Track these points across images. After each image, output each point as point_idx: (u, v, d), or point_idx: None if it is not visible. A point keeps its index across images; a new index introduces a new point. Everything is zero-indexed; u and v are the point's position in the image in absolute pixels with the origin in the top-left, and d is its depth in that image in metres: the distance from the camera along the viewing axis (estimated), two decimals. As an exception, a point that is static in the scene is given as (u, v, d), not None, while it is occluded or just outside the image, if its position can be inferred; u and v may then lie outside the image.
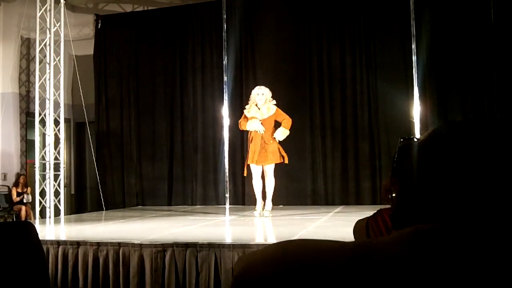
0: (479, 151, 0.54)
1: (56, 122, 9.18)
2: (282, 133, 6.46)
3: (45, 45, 9.15)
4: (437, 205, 0.55)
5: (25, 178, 9.78)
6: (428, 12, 8.38)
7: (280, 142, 6.56)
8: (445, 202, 0.54)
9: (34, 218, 8.86)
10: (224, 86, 9.33)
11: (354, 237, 2.07)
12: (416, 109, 8.08)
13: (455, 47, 8.19)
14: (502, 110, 7.82)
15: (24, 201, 9.58)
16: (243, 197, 9.23)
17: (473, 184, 0.53)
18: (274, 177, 6.62)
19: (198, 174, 9.57)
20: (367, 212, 2.26)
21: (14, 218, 9.54)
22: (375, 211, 2.01)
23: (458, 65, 8.19)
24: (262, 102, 6.50)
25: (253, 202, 8.91)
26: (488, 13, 8.08)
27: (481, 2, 8.13)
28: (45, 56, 9.20)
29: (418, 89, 8.27)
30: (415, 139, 1.99)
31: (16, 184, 9.72)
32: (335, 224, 5.79)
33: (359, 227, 2.03)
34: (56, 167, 9.10)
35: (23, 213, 9.46)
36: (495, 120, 0.57)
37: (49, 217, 8.47)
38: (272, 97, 7.13)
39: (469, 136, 0.56)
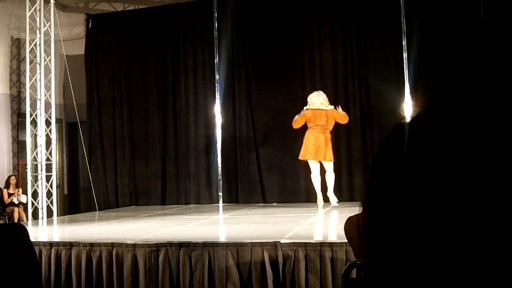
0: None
1: (48, 123, 9.14)
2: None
3: (35, 45, 9.10)
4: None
5: (15, 178, 9.69)
6: (418, 9, 8.41)
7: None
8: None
9: (27, 219, 8.82)
10: (216, 85, 9.33)
11: (345, 233, 2.08)
12: (408, 105, 8.11)
13: (446, 43, 8.22)
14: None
15: (15, 201, 9.48)
16: (236, 196, 9.23)
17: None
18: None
19: (192, 173, 9.56)
20: (359, 208, 2.26)
21: (7, 220, 9.47)
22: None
23: (449, 61, 8.23)
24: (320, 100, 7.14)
25: (247, 201, 8.96)
26: (478, 9, 8.12)
27: (471, -2, 8.18)
28: (35, 56, 9.15)
29: (409, 85, 8.31)
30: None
31: (7, 186, 9.65)
32: (328, 221, 5.81)
33: (350, 224, 2.04)
34: (48, 168, 9.05)
35: (15, 215, 9.39)
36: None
37: (42, 218, 8.43)
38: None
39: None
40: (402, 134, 0.49)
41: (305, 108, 7.21)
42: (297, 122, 7.20)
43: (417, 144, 0.47)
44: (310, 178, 7.94)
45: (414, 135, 0.48)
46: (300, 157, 7.24)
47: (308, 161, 7.20)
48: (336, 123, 7.31)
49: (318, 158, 7.07)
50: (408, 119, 0.50)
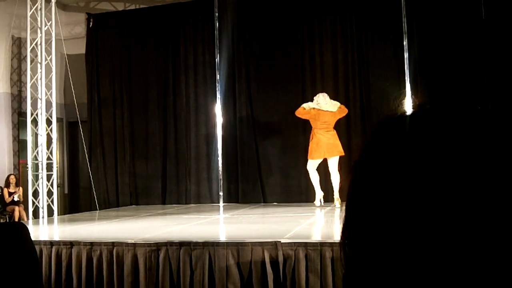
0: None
1: (49, 122, 9.14)
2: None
3: (36, 44, 9.11)
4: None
5: (15, 177, 9.66)
6: (419, 9, 8.41)
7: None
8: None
9: (27, 218, 8.82)
10: (217, 84, 9.33)
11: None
12: (408, 105, 8.10)
13: (446, 43, 8.22)
14: (493, 106, 7.86)
15: (15, 199, 9.47)
16: (237, 195, 9.23)
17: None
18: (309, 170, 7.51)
19: (192, 172, 9.56)
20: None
21: (8, 219, 9.47)
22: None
23: (449, 61, 8.22)
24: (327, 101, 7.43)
25: (247, 200, 8.97)
26: (479, 10, 8.12)
27: (472, -2, 8.19)
28: (36, 56, 9.16)
29: (410, 85, 8.31)
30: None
31: (7, 185, 9.64)
32: (329, 221, 5.80)
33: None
34: (49, 167, 9.06)
35: (16, 214, 9.38)
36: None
37: (42, 218, 8.44)
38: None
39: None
40: (383, 136, 0.48)
41: (310, 105, 7.40)
42: (301, 113, 7.47)
43: (399, 146, 0.46)
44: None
45: (397, 137, 0.47)
46: (318, 157, 7.37)
47: (314, 160, 7.38)
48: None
49: (334, 154, 7.35)
50: (388, 120, 0.50)
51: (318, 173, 7.54)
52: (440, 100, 0.50)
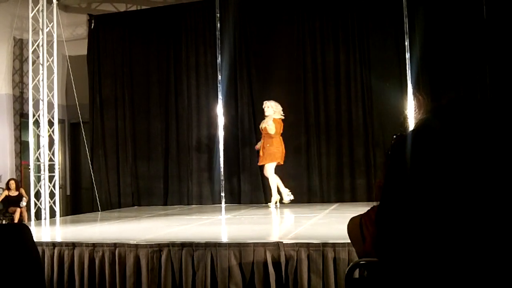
0: (473, 141, 0.47)
1: (50, 123, 9.15)
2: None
3: (38, 45, 9.12)
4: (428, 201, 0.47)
5: (14, 182, 9.53)
6: (421, 9, 8.41)
7: (282, 139, 7.88)
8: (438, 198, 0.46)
9: (30, 219, 8.83)
10: (219, 85, 9.33)
11: (348, 234, 2.08)
12: (410, 106, 8.10)
13: (448, 43, 8.21)
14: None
15: (22, 205, 9.41)
16: (239, 196, 9.23)
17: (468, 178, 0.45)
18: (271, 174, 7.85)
19: (194, 173, 9.56)
20: (362, 209, 2.26)
21: (10, 220, 9.46)
22: (369, 208, 2.02)
23: (451, 61, 8.22)
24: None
25: (249, 201, 8.98)
26: (481, 10, 8.11)
27: (474, -2, 8.18)
28: (38, 57, 9.17)
29: (412, 85, 8.30)
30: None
31: (8, 188, 9.57)
32: (331, 221, 5.80)
33: (353, 224, 2.04)
34: (51, 168, 9.06)
35: (17, 215, 9.37)
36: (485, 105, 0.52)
37: (45, 219, 8.44)
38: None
39: (461, 126, 0.49)
40: (412, 139, 0.51)
41: (272, 116, 7.69)
42: (278, 130, 7.77)
43: (428, 149, 0.48)
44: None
45: (423, 140, 0.50)
46: (282, 161, 7.78)
47: (274, 163, 7.73)
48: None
49: (283, 159, 7.85)
50: (418, 125, 0.52)
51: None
52: (447, 100, 0.53)
